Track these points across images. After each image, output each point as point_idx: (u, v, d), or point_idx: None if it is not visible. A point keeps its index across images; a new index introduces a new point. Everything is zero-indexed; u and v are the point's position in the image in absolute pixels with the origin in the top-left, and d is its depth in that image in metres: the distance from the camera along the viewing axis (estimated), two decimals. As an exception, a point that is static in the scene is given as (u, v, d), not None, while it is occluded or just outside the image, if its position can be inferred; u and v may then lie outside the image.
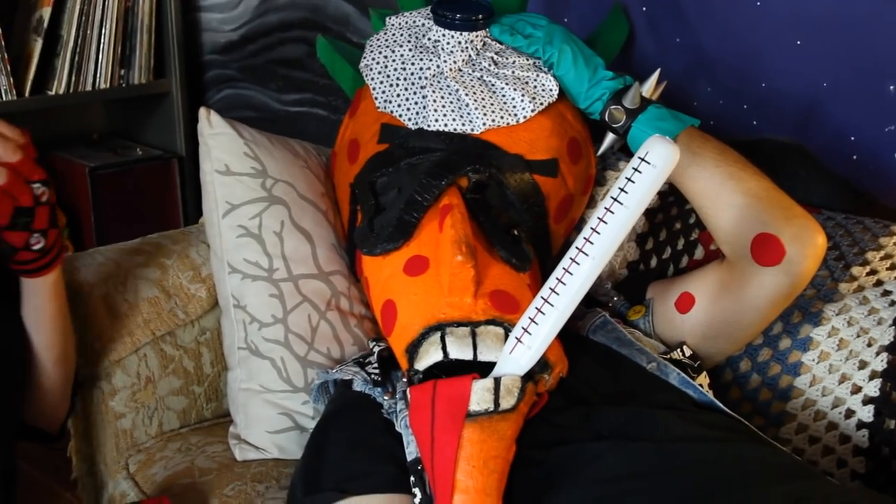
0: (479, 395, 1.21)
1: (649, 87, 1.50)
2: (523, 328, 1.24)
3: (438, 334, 1.26)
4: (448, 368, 1.26)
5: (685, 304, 1.46)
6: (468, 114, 1.47)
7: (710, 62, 1.83)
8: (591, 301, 1.57)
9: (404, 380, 1.33)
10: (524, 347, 1.23)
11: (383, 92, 1.51)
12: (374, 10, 1.78)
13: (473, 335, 1.26)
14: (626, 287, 1.60)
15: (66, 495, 1.95)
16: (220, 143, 1.62)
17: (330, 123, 2.61)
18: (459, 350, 1.25)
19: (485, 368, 1.25)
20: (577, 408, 1.31)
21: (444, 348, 1.25)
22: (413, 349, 1.28)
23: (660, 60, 1.87)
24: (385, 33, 1.54)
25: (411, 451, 1.29)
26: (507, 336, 1.26)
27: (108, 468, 1.67)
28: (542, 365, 1.27)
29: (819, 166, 1.72)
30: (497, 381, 1.21)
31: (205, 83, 2.98)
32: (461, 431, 1.20)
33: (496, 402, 1.21)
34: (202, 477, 1.58)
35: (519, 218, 1.46)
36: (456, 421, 1.20)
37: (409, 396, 1.27)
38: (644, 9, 1.89)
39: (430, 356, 1.26)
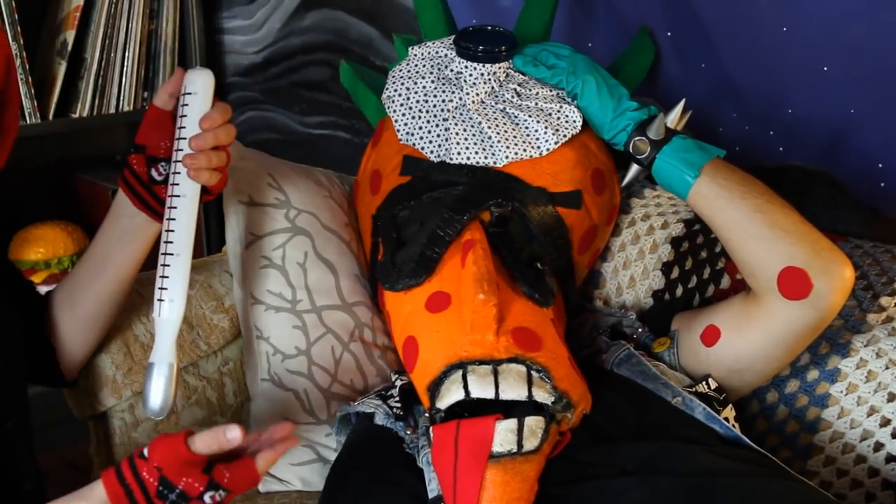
0: (503, 436, 1.20)
1: (674, 118, 1.48)
2: (160, 288, 1.32)
3: (460, 372, 1.25)
4: (470, 405, 1.25)
5: (711, 337, 1.44)
6: (491, 146, 1.46)
7: (736, 88, 1.82)
8: (616, 333, 1.56)
9: (426, 415, 1.32)
10: (168, 302, 1.32)
11: (405, 124, 1.51)
12: (397, 36, 1.78)
13: (495, 373, 1.24)
14: (651, 318, 1.58)
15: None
16: (243, 173, 1.61)
17: (352, 146, 2.61)
18: (481, 389, 1.23)
19: (507, 406, 1.24)
20: (600, 444, 1.29)
21: (465, 387, 1.24)
22: (435, 387, 1.27)
23: (685, 86, 1.86)
24: (407, 64, 1.54)
25: (433, 489, 1.28)
26: (529, 374, 1.25)
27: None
28: (565, 404, 1.26)
29: (846, 193, 1.71)
30: (521, 422, 1.20)
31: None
32: (484, 473, 1.19)
33: (519, 444, 1.20)
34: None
35: (542, 251, 1.45)
36: (479, 462, 1.19)
37: (431, 435, 1.26)
38: (669, 34, 1.88)
39: (451, 395, 1.25)
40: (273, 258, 1.59)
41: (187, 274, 1.34)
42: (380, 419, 1.44)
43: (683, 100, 1.50)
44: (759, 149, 1.80)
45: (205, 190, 1.36)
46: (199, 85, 1.34)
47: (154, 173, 1.39)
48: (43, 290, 1.83)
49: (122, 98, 2.74)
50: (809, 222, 1.37)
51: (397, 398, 1.45)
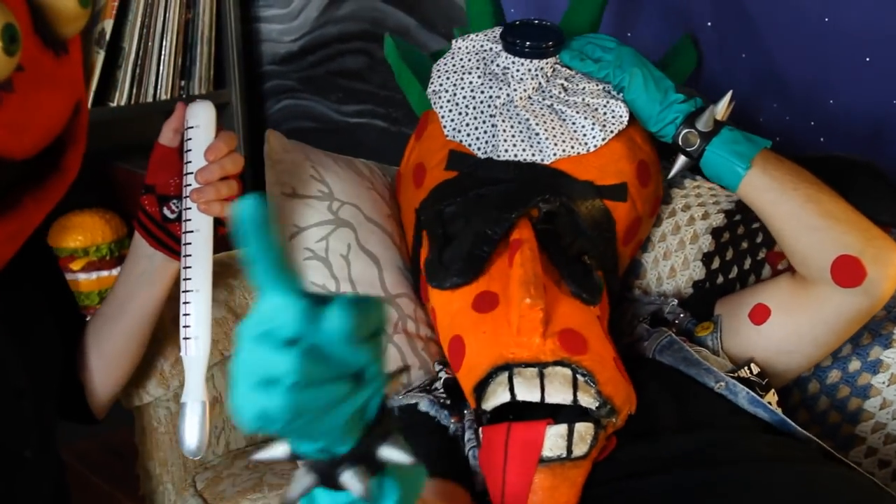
0: (553, 441, 1.21)
1: (721, 110, 1.48)
2: (184, 326, 1.34)
3: (506, 374, 1.25)
4: (516, 407, 1.26)
5: (760, 315, 1.44)
6: (538, 143, 1.47)
7: (777, 78, 1.81)
8: (657, 320, 1.56)
9: (473, 413, 1.33)
10: (194, 339, 1.33)
11: (452, 120, 1.51)
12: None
13: (541, 376, 1.25)
14: (692, 304, 1.58)
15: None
16: (286, 165, 1.62)
17: (390, 135, 2.61)
18: (527, 391, 1.24)
19: (553, 410, 1.25)
20: (642, 440, 1.29)
21: (511, 389, 1.24)
22: (480, 389, 1.28)
23: (726, 76, 1.86)
24: (453, 58, 1.54)
25: (478, 483, 1.29)
26: (574, 378, 1.25)
27: (176, 486, 1.68)
28: (609, 410, 1.26)
29: (888, 184, 1.70)
30: (571, 427, 1.22)
31: (264, 94, 3.00)
32: (533, 477, 1.20)
33: (569, 449, 1.21)
34: (272, 492, 1.58)
35: (590, 245, 1.44)
36: (528, 466, 1.20)
37: (481, 435, 1.27)
38: (710, 24, 1.88)
39: (497, 397, 1.26)
40: (316, 250, 1.60)
41: (209, 309, 1.35)
42: (424, 406, 1.43)
43: (731, 91, 1.50)
44: (800, 139, 1.79)
45: (220, 222, 1.36)
46: (202, 118, 1.34)
47: (167, 212, 1.39)
48: (81, 277, 1.83)
49: (159, 87, 2.75)
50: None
51: (441, 391, 1.46)
